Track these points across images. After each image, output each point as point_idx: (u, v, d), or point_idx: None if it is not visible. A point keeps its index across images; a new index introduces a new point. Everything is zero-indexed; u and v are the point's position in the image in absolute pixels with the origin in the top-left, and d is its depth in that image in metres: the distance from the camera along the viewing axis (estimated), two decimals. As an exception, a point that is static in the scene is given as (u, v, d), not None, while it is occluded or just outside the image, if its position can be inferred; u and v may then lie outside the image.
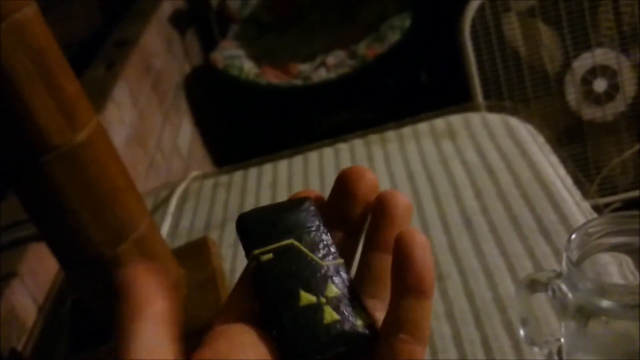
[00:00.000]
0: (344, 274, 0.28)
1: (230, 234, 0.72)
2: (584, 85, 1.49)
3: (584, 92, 1.50)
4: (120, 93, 1.07)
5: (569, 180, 0.68)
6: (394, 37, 1.60)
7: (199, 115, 1.55)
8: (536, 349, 0.47)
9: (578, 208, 0.63)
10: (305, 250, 0.28)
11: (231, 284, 0.63)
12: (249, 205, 0.76)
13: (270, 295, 0.27)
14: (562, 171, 0.70)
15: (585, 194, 0.67)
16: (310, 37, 1.79)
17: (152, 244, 0.55)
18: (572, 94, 1.50)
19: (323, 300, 0.27)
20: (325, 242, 0.29)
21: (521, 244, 0.60)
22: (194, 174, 0.86)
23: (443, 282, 0.58)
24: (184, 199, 0.82)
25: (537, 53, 1.49)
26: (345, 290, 0.27)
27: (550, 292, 0.42)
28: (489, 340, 0.52)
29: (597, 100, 1.50)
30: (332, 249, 0.28)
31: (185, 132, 1.43)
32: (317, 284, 0.27)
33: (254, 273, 0.27)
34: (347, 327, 0.26)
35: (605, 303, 0.37)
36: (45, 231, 0.53)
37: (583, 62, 1.48)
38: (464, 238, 0.63)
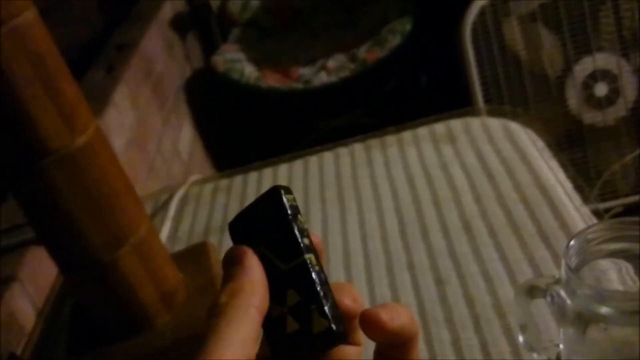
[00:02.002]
0: (309, 273, 0.28)
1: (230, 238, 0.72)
2: (585, 89, 1.49)
3: (584, 96, 1.50)
4: (121, 96, 1.07)
5: (568, 185, 0.68)
6: (394, 41, 1.61)
7: (200, 119, 1.55)
8: (535, 355, 0.47)
9: (578, 213, 0.63)
10: (271, 256, 0.29)
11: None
12: (249, 209, 0.76)
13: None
14: (562, 176, 0.70)
15: (585, 199, 0.67)
16: (310, 41, 1.79)
17: (151, 248, 0.55)
18: (573, 98, 1.50)
19: (285, 309, 0.28)
20: (291, 239, 0.29)
21: (521, 249, 0.60)
22: (193, 178, 0.86)
23: (442, 287, 0.58)
24: (183, 203, 0.82)
25: (538, 57, 1.49)
26: (308, 293, 0.28)
27: (549, 298, 0.41)
28: (488, 346, 0.51)
29: (598, 104, 1.50)
30: (300, 244, 0.28)
31: (185, 136, 1.43)
32: (280, 292, 0.28)
33: None
34: (306, 335, 0.27)
35: (604, 310, 0.37)
36: (44, 235, 0.53)
37: (584, 67, 1.48)
38: (464, 242, 0.63)
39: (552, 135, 0.76)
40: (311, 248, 0.29)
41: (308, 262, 0.28)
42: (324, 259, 0.31)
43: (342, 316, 0.28)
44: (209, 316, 0.27)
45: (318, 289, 0.28)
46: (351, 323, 0.29)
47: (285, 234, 0.29)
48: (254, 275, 0.28)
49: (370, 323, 0.28)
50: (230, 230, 0.30)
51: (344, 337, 0.28)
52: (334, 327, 0.27)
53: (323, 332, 0.27)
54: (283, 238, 0.29)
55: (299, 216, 0.30)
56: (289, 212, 0.29)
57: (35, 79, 0.46)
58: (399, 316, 0.28)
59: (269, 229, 0.29)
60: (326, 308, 0.27)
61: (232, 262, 0.29)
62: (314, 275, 0.28)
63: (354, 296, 0.30)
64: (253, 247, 0.29)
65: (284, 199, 0.29)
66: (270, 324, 0.28)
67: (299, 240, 0.29)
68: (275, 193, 0.30)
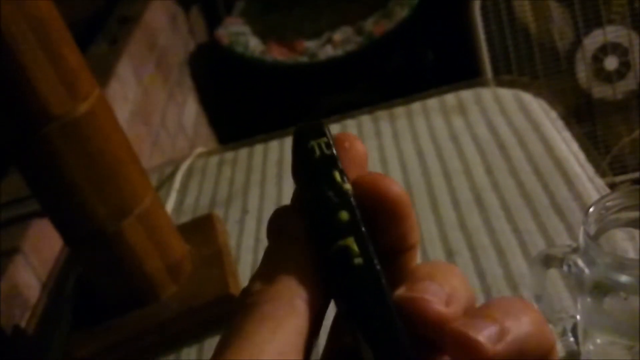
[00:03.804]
0: (347, 268, 0.19)
1: (236, 210, 0.71)
2: (595, 63, 1.47)
3: (594, 70, 1.47)
4: (124, 70, 1.06)
5: (582, 156, 0.67)
6: (402, 13, 1.58)
7: (204, 93, 1.53)
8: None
9: (592, 184, 0.61)
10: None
11: (237, 260, 0.62)
12: (255, 182, 0.75)
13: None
14: (575, 147, 0.68)
15: (598, 170, 0.66)
16: (316, 13, 1.76)
17: (157, 219, 0.54)
18: (583, 72, 1.47)
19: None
20: (324, 215, 0.20)
21: (533, 221, 0.58)
22: (198, 150, 0.85)
23: (453, 259, 0.57)
24: (188, 175, 0.80)
25: (548, 30, 1.46)
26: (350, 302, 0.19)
27: (565, 268, 0.40)
28: (500, 318, 0.50)
29: (608, 78, 1.48)
30: (334, 223, 0.20)
31: (190, 110, 1.41)
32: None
33: None
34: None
35: (624, 278, 0.36)
36: (47, 206, 0.52)
37: (594, 40, 1.46)
38: (475, 215, 0.61)
39: (562, 109, 0.75)
40: (355, 222, 0.20)
41: (348, 249, 0.19)
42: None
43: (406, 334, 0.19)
44: (235, 308, 0.19)
45: (359, 299, 0.19)
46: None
47: (317, 209, 0.20)
48: (302, 251, 0.19)
49: (462, 347, 0.17)
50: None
51: None
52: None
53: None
54: (316, 212, 0.20)
55: (335, 172, 0.20)
56: (315, 172, 0.21)
57: (36, 44, 0.45)
58: (511, 330, 0.18)
59: (304, 193, 0.21)
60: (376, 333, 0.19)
61: (273, 232, 0.20)
62: (352, 271, 0.19)
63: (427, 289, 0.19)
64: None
65: (309, 146, 0.21)
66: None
67: (332, 216, 0.20)
68: (298, 140, 0.21)
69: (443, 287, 0.19)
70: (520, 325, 0.18)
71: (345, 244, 0.19)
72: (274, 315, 0.18)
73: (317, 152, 0.21)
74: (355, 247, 0.19)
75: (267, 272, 0.19)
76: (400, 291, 0.19)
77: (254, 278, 0.19)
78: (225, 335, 0.18)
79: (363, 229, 0.20)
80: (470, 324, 0.18)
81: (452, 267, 0.20)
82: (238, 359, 0.17)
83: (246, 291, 0.19)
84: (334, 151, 0.21)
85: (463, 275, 0.20)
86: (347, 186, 0.20)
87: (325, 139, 0.21)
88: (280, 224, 0.20)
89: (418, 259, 0.22)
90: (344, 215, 0.20)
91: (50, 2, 0.47)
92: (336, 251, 0.19)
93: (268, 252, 0.20)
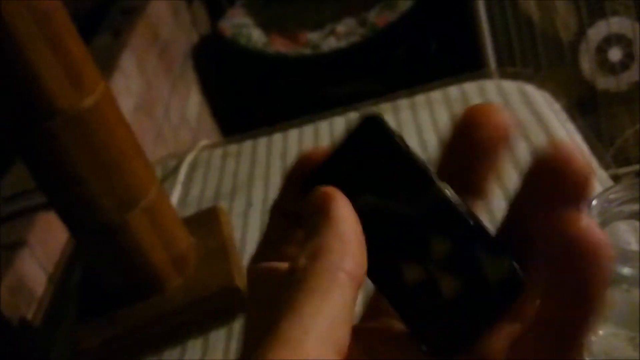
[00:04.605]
0: (450, 205, 0.20)
1: (240, 203, 0.71)
2: (599, 54, 1.46)
3: (598, 61, 1.47)
4: (127, 62, 1.06)
5: (585, 148, 0.67)
6: (405, 4, 1.58)
7: (207, 85, 1.53)
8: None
9: (595, 176, 0.62)
10: (387, 201, 0.21)
11: (241, 252, 0.63)
12: (259, 175, 0.75)
13: (375, 282, 0.21)
14: (578, 139, 0.68)
15: (602, 162, 0.66)
16: (319, 5, 1.76)
17: (162, 211, 0.55)
18: (587, 63, 1.47)
19: (432, 267, 0.20)
20: (415, 169, 0.21)
21: (536, 213, 0.59)
22: (203, 143, 0.85)
23: (456, 251, 0.57)
24: (193, 168, 0.81)
25: (551, 21, 1.46)
26: (460, 231, 0.20)
27: (568, 260, 0.41)
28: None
29: (612, 69, 1.47)
30: (425, 177, 0.20)
31: (193, 102, 1.41)
32: (416, 244, 0.20)
33: None
34: (477, 293, 0.19)
35: (626, 270, 0.36)
36: (53, 198, 0.52)
37: (598, 31, 1.45)
38: (478, 207, 0.61)
39: (565, 101, 0.75)
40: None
41: (448, 191, 0.20)
42: None
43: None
44: (282, 286, 0.19)
45: (475, 222, 0.20)
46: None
47: (405, 166, 0.20)
48: (345, 227, 0.20)
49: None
50: (305, 189, 0.22)
51: (523, 286, 0.20)
52: (516, 267, 0.19)
53: (505, 280, 0.19)
54: (402, 172, 0.20)
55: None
56: (400, 138, 0.21)
57: (40, 38, 0.45)
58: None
59: (376, 168, 0.21)
60: (497, 245, 0.20)
61: (314, 211, 0.21)
62: (462, 205, 0.20)
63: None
64: (353, 196, 0.21)
65: (389, 125, 0.21)
66: (408, 296, 0.20)
67: (427, 167, 0.21)
68: (373, 122, 0.21)
69: None
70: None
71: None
72: (321, 289, 0.19)
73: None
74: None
75: (311, 248, 0.20)
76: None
77: (298, 255, 0.20)
78: (274, 309, 0.19)
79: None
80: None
81: None
82: (290, 330, 0.18)
83: (291, 269, 0.20)
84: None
85: None
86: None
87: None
88: (320, 199, 0.21)
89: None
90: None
91: (54, -4, 0.47)
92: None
93: (309, 231, 0.21)
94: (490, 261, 0.19)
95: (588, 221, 0.19)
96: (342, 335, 0.18)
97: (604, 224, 0.41)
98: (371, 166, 0.21)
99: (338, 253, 0.19)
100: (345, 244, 0.20)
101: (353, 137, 0.22)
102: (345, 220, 0.20)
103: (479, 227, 0.20)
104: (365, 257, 0.20)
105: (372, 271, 0.20)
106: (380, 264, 0.21)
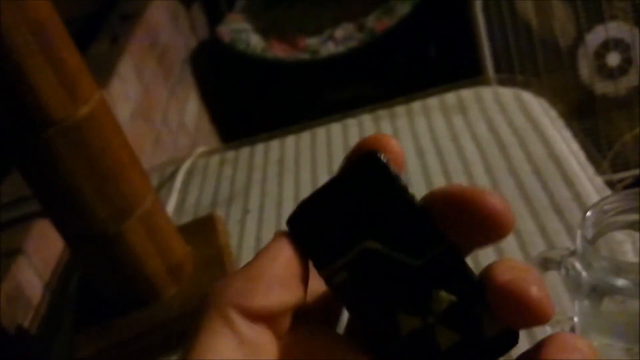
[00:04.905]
0: (455, 262, 0.20)
1: (237, 210, 0.71)
2: (597, 59, 1.46)
3: (596, 66, 1.47)
4: (125, 67, 1.06)
5: (582, 156, 0.67)
6: (403, 9, 1.58)
7: (206, 90, 1.53)
8: (548, 328, 0.46)
9: (591, 184, 0.62)
10: (389, 250, 0.20)
11: (238, 260, 0.63)
12: (256, 182, 0.76)
13: (363, 326, 0.21)
14: (575, 146, 0.68)
15: (599, 170, 0.66)
16: (318, 10, 1.76)
17: (158, 220, 0.55)
18: (585, 68, 1.47)
19: (431, 319, 0.20)
20: (417, 222, 0.20)
21: (533, 221, 0.59)
22: (200, 149, 0.85)
23: (453, 260, 0.57)
24: (190, 175, 0.81)
25: (549, 26, 1.46)
26: (462, 289, 0.20)
27: (563, 271, 0.41)
28: (499, 319, 0.51)
29: (610, 74, 1.47)
30: (430, 229, 0.20)
31: (191, 107, 1.42)
32: (417, 297, 0.20)
33: (334, 295, 0.21)
34: (474, 344, 0.20)
35: (621, 282, 0.36)
36: (48, 207, 0.52)
37: (596, 36, 1.45)
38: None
39: (564, 106, 0.75)
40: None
41: (452, 245, 0.20)
42: None
43: None
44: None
45: (477, 278, 0.20)
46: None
47: (410, 216, 0.20)
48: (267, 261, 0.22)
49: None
50: (291, 229, 0.21)
51: (516, 340, 0.20)
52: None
53: (499, 335, 0.20)
54: (406, 222, 0.20)
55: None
56: (404, 183, 0.21)
57: (36, 48, 0.45)
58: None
59: (377, 211, 0.20)
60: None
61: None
62: (465, 262, 0.21)
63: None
64: (350, 244, 0.20)
65: (390, 168, 0.21)
66: (401, 346, 0.20)
67: (429, 216, 0.20)
68: (372, 159, 0.21)
69: None
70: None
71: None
72: (271, 251, 0.22)
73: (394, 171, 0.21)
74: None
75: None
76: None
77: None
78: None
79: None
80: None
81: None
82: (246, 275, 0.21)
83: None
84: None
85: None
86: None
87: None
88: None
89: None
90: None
91: (50, 6, 0.47)
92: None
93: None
94: (488, 316, 0.20)
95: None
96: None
97: (599, 234, 0.41)
98: (369, 208, 0.21)
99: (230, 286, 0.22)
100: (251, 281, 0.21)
101: (350, 174, 0.21)
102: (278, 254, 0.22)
103: (480, 282, 0.20)
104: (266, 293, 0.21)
105: (364, 319, 0.20)
106: (374, 312, 0.20)
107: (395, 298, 0.20)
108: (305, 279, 0.22)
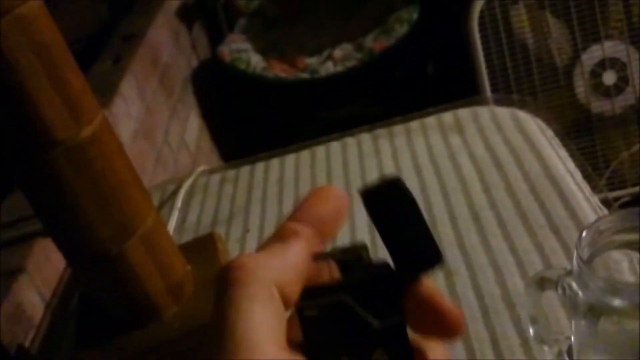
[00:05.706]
0: (405, 337, 0.25)
1: (237, 229, 0.72)
2: (593, 78, 1.48)
3: (593, 84, 1.48)
4: (127, 87, 1.07)
5: (578, 175, 0.68)
6: (401, 29, 1.59)
7: (206, 109, 1.54)
8: (546, 348, 0.46)
9: (588, 203, 0.62)
10: (359, 309, 0.24)
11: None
12: (256, 201, 0.76)
13: (311, 354, 0.24)
14: (571, 165, 0.69)
15: (595, 188, 0.67)
16: (317, 31, 1.78)
17: (159, 239, 0.55)
18: (581, 87, 1.49)
19: None
20: (389, 294, 0.25)
21: (530, 240, 0.59)
22: (201, 168, 0.86)
23: (451, 278, 0.58)
24: (191, 193, 0.81)
25: (546, 45, 1.47)
26: (400, 357, 0.24)
27: (560, 290, 0.41)
28: (497, 338, 0.51)
29: (606, 93, 1.48)
30: (396, 304, 0.25)
31: (192, 126, 1.43)
32: (363, 349, 0.24)
33: (301, 327, 0.25)
34: None
35: (617, 302, 0.37)
36: (51, 227, 0.52)
37: (592, 55, 1.47)
38: (472, 233, 0.62)
39: (560, 124, 0.76)
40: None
41: (404, 325, 0.25)
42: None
43: None
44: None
45: (412, 355, 0.25)
46: None
47: (382, 287, 0.25)
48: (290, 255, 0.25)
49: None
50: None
51: None
52: None
53: None
54: (378, 291, 0.25)
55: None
56: (381, 263, 0.26)
57: (40, 70, 0.46)
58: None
59: (360, 279, 0.25)
60: None
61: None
62: (408, 340, 0.25)
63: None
64: (331, 293, 0.25)
65: (366, 255, 0.27)
66: None
67: (398, 296, 0.25)
68: (361, 251, 0.27)
69: None
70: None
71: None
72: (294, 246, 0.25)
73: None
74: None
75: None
76: None
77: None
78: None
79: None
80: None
81: None
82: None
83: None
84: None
85: None
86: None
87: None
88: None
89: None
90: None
91: (54, 27, 0.48)
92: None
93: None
94: None
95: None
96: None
97: (595, 254, 0.41)
98: (356, 277, 0.25)
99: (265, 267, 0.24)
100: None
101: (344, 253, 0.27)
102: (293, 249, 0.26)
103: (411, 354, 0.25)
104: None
105: (315, 350, 0.24)
106: (325, 349, 0.24)
107: (345, 343, 0.24)
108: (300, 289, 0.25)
